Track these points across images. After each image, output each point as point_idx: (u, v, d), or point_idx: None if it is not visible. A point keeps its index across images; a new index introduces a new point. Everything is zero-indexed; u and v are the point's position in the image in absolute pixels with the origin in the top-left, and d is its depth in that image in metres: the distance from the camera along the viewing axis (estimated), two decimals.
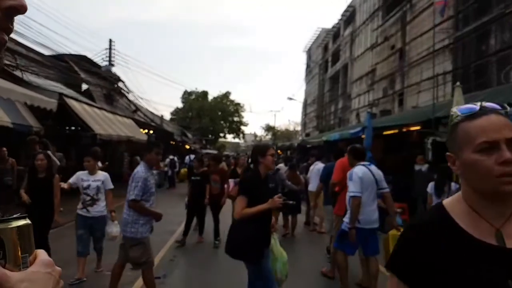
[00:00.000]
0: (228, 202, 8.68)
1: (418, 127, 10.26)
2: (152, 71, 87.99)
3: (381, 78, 21.91)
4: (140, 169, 4.65)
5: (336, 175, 6.20)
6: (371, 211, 5.09)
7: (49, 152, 9.04)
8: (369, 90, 24.04)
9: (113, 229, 5.64)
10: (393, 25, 21.18)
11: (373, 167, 5.28)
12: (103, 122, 13.58)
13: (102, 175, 5.92)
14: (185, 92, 58.19)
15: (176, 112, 57.98)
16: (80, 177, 5.78)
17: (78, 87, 18.35)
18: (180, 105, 58.54)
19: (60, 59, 17.90)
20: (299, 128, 58.88)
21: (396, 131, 10.82)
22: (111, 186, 5.92)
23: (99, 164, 9.91)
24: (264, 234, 3.95)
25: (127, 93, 22.34)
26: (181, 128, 36.32)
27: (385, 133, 11.02)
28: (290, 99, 38.65)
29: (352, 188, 5.03)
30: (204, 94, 57.71)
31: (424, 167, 9.83)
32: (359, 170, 5.11)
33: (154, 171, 18.73)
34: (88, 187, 5.68)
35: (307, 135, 35.24)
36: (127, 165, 19.97)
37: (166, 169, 20.10)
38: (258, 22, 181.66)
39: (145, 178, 4.59)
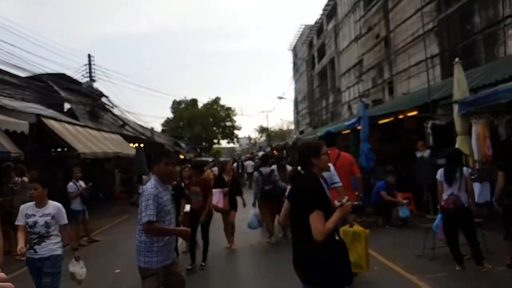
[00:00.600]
0: (217, 217, 7.98)
1: (415, 112, 9.87)
2: (137, 83, 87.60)
3: (369, 69, 21.67)
4: (149, 185, 3.99)
5: None
6: None
7: (24, 178, 8.74)
8: (358, 82, 23.80)
9: (78, 270, 4.84)
10: (376, 14, 20.94)
11: None
12: (87, 140, 13.22)
13: (52, 207, 4.62)
14: (174, 102, 57.67)
15: (167, 123, 57.45)
16: (24, 212, 4.55)
17: (60, 106, 17.95)
18: (170, 115, 58.04)
19: (38, 79, 17.49)
20: (292, 127, 58.63)
21: (391, 119, 10.40)
22: (65, 220, 4.67)
23: (82, 184, 9.46)
24: (343, 248, 3.22)
25: (112, 107, 21.87)
26: (173, 139, 35.90)
27: (380, 122, 10.54)
28: (281, 98, 38.46)
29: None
30: (194, 102, 57.15)
31: (426, 153, 9.47)
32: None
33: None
34: (35, 224, 4.48)
35: (301, 132, 34.98)
36: (119, 182, 19.45)
37: None
38: (240, 26, 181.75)
39: (155, 194, 3.88)
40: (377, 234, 8.02)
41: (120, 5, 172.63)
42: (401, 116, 10.26)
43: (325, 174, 4.52)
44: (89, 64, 21.60)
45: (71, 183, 9.43)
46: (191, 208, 6.98)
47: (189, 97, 58.08)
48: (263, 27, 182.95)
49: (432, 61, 15.44)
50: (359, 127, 10.15)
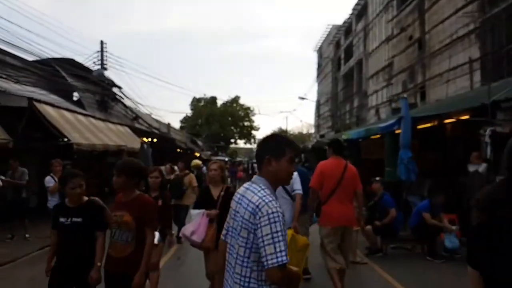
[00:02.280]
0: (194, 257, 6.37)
1: (466, 116, 8.07)
2: (153, 75, 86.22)
3: (400, 72, 20.46)
4: (266, 197, 2.17)
5: (314, 181, 5.33)
6: None
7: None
8: (387, 85, 22.58)
9: None
10: (410, 14, 19.78)
11: None
12: (87, 130, 12.28)
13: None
14: (194, 99, 57.16)
15: (185, 120, 56.96)
16: None
17: (69, 94, 16.97)
18: (189, 112, 57.51)
19: (46, 63, 16.44)
20: (312, 130, 57.45)
21: (434, 123, 8.67)
22: None
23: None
24: None
25: (122, 98, 20.58)
26: (190, 136, 35.15)
27: (419, 126, 8.84)
28: (302, 98, 37.03)
29: None
30: (213, 99, 56.46)
31: (482, 167, 7.65)
32: None
33: None
34: None
35: (322, 136, 33.78)
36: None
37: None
38: (264, 27, 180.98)
39: (282, 213, 2.17)
40: (416, 266, 7.11)
41: (143, 3, 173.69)
42: (448, 121, 8.59)
43: None
44: (101, 51, 20.40)
45: (48, 177, 8.18)
46: (107, 260, 3.53)
47: (208, 95, 57.49)
48: (287, 28, 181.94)
49: (470, 65, 14.28)
50: (397, 131, 8.57)
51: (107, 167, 18.28)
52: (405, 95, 9.05)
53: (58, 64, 17.02)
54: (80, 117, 13.42)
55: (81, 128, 12.12)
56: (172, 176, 9.20)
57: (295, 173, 5.17)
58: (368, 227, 7.44)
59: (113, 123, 16.79)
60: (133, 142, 15.97)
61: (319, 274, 6.17)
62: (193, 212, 4.75)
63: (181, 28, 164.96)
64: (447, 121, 8.54)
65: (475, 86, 13.72)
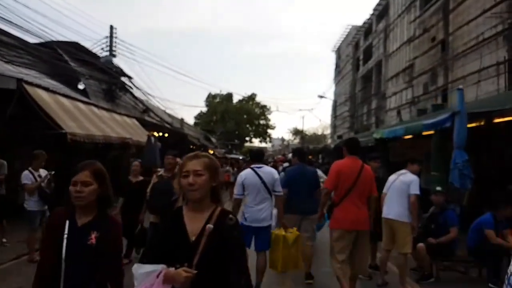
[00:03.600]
0: None
1: None
2: (166, 65, 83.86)
3: (421, 73, 19.88)
4: None
5: (329, 181, 5.20)
6: (257, 211, 5.31)
7: None
8: (407, 87, 22.01)
9: None
10: (434, 15, 19.22)
11: (266, 170, 5.49)
12: (86, 120, 11.47)
13: None
14: (209, 95, 56.74)
15: (200, 116, 56.66)
16: None
17: (73, 83, 15.79)
18: (204, 108, 57.07)
19: (49, 46, 15.20)
20: (328, 131, 56.87)
21: (481, 122, 7.37)
22: None
23: (42, 174, 7.05)
24: None
25: (131, 88, 19.40)
26: (204, 133, 34.83)
27: (470, 125, 7.60)
28: (321, 97, 36.72)
29: (234, 190, 5.56)
30: (229, 96, 55.92)
31: None
32: (244, 173, 5.53)
33: None
34: None
35: (339, 137, 33.27)
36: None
37: None
38: (284, 27, 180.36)
39: None
40: None
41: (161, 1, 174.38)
42: (500, 120, 7.28)
43: (268, 177, 5.35)
44: (110, 36, 19.11)
45: (25, 172, 6.80)
46: None
47: (224, 91, 57.04)
48: (307, 28, 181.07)
49: (497, 68, 13.72)
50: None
51: (111, 162, 17.73)
52: (460, 86, 7.71)
53: (61, 47, 15.81)
54: (81, 105, 12.34)
55: (80, 117, 11.15)
56: (155, 177, 6.04)
57: (276, 175, 5.51)
58: (421, 245, 6.15)
59: (119, 113, 15.71)
60: (140, 136, 14.77)
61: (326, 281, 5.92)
62: (139, 270, 2.09)
63: (199, 27, 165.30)
64: (498, 120, 7.30)
65: (501, 90, 13.16)
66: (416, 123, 8.28)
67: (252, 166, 5.53)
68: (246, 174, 5.44)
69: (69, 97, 11.89)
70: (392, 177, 6.00)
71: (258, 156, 5.77)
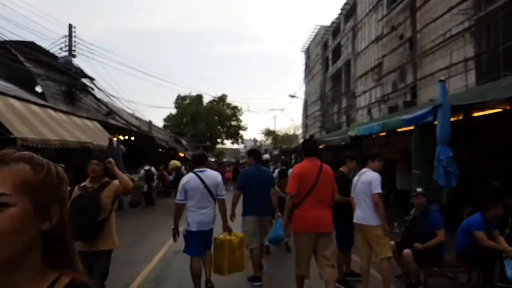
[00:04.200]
0: None
1: (507, 107, 6.81)
2: (132, 66, 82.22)
3: (390, 72, 19.92)
4: None
5: (290, 185, 4.97)
6: (201, 215, 5.29)
7: None
8: (376, 86, 22.04)
9: None
10: (401, 13, 19.28)
11: (209, 173, 5.42)
12: (41, 124, 10.88)
13: None
14: (179, 97, 55.70)
15: (169, 119, 55.68)
16: None
17: (30, 84, 14.94)
18: (171, 109, 56.03)
19: (1, 46, 14.38)
20: (299, 131, 56.93)
21: (459, 117, 7.04)
22: None
23: None
24: None
25: (93, 90, 18.43)
26: (174, 135, 34.08)
27: (476, 114, 7.17)
28: (292, 96, 36.68)
29: (177, 196, 5.47)
30: (199, 97, 55.09)
31: None
32: (186, 177, 5.52)
33: None
34: None
35: (311, 136, 33.18)
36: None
37: (141, 183, 15.79)
38: (253, 28, 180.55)
39: None
40: None
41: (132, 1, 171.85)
42: (479, 113, 7.21)
43: (211, 181, 5.33)
44: (70, 35, 18.13)
45: None
46: None
47: (194, 93, 56.21)
48: (277, 29, 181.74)
49: (465, 64, 13.77)
50: (432, 122, 6.69)
51: (74, 169, 16.67)
52: (442, 78, 7.15)
53: (15, 47, 15.04)
54: (35, 107, 11.71)
55: (33, 121, 10.56)
56: (76, 190, 4.39)
57: (219, 179, 5.48)
58: (407, 251, 5.54)
59: (79, 116, 14.92)
60: (103, 139, 14.15)
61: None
62: None
63: (167, 27, 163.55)
64: (477, 113, 7.07)
65: (470, 86, 13.19)
66: (394, 119, 7.73)
67: (195, 170, 5.47)
68: (188, 178, 5.40)
69: (22, 99, 11.22)
70: (355, 179, 5.61)
71: (200, 159, 5.65)
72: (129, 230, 10.47)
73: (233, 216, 6.22)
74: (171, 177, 19.69)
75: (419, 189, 5.83)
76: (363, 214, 5.34)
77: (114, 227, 4.39)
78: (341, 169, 5.97)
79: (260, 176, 6.20)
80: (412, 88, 17.91)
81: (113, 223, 4.37)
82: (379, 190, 5.20)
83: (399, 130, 7.80)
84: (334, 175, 5.26)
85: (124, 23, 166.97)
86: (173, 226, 5.40)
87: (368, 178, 5.31)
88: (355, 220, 5.49)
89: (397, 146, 10.45)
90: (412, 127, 7.31)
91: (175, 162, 16.57)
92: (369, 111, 21.60)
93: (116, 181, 4.34)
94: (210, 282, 5.33)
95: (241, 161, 29.73)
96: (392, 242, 5.67)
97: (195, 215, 5.26)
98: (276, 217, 6.28)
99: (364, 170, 5.52)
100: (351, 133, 9.38)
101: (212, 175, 5.43)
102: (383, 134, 8.59)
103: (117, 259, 7.08)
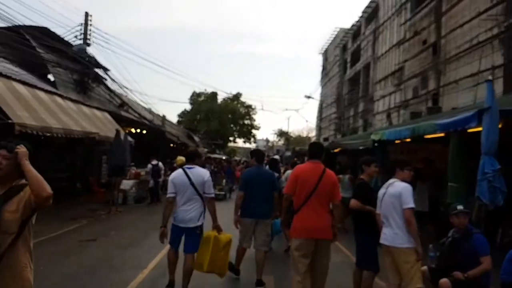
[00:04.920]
0: None
1: None
2: (149, 59, 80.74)
3: (411, 77, 19.40)
4: None
5: (287, 186, 4.90)
6: (184, 211, 5.28)
7: None
8: (395, 91, 21.52)
9: None
10: (425, 17, 18.78)
11: (196, 171, 5.35)
12: (46, 110, 10.44)
13: None
14: (194, 94, 55.53)
15: (183, 114, 55.50)
16: None
17: (42, 72, 14.45)
18: (184, 103, 55.89)
19: (15, 31, 14.05)
20: (313, 133, 56.44)
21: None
22: None
23: None
24: None
25: (105, 80, 17.86)
26: (187, 131, 33.85)
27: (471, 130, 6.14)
28: (308, 97, 36.24)
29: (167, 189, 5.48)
30: (214, 95, 54.69)
31: None
32: (174, 173, 5.51)
33: (131, 181, 14.70)
34: None
35: (326, 139, 32.69)
36: (106, 171, 14.52)
37: (148, 178, 15.37)
38: (273, 27, 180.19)
39: None
40: None
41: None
42: None
43: (197, 178, 5.30)
44: (85, 24, 17.59)
45: None
46: None
47: (209, 90, 55.91)
48: (296, 31, 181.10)
49: (492, 72, 13.25)
50: (475, 129, 5.73)
51: (83, 157, 15.79)
52: (490, 77, 6.29)
53: (28, 32, 14.67)
54: (42, 94, 11.29)
55: (37, 107, 10.14)
56: None
57: (206, 177, 5.37)
58: (445, 281, 4.60)
59: (88, 106, 14.40)
60: (112, 131, 13.47)
61: None
62: None
63: (185, 27, 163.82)
64: None
65: (497, 95, 12.65)
66: (427, 123, 6.77)
67: (184, 166, 5.46)
68: (176, 173, 5.42)
69: (27, 84, 10.85)
70: (381, 192, 4.84)
71: (190, 156, 5.62)
72: (128, 230, 10.10)
73: (237, 221, 6.01)
74: None
75: (460, 207, 4.80)
76: (392, 233, 4.56)
77: (29, 262, 2.72)
78: (362, 176, 5.32)
79: (260, 177, 6.06)
80: (434, 95, 17.39)
81: (22, 256, 2.66)
82: (411, 205, 4.41)
83: (428, 136, 7.19)
84: (355, 184, 4.93)
85: (139, 20, 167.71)
86: (162, 224, 5.31)
87: (397, 190, 4.56)
88: (382, 241, 4.72)
89: (418, 154, 9.78)
90: (442, 134, 6.63)
91: (181, 158, 16.10)
92: (388, 116, 21.09)
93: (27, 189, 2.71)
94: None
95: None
96: (425, 267, 4.84)
97: (180, 210, 5.31)
98: (273, 217, 6.20)
99: (391, 180, 4.77)
100: (374, 137, 8.58)
101: (199, 173, 5.37)
102: (407, 140, 7.96)
103: (110, 263, 6.84)
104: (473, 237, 4.69)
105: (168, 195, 5.37)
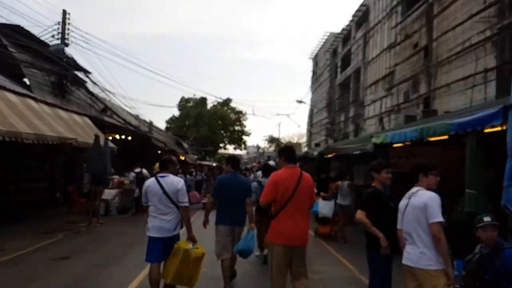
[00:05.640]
0: None
1: None
2: (133, 61, 77.93)
3: (402, 81, 19.06)
4: None
5: (264, 194, 4.70)
6: (159, 221, 5.16)
7: None
8: (386, 95, 21.17)
9: None
10: (416, 20, 18.48)
11: (169, 180, 5.22)
12: (15, 114, 9.76)
13: None
14: (182, 99, 54.96)
15: (172, 121, 54.84)
16: None
17: (16, 75, 13.65)
18: (172, 108, 55.24)
19: None
20: (303, 139, 56.07)
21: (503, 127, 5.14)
22: None
23: None
24: None
25: (85, 82, 16.86)
26: (175, 137, 33.21)
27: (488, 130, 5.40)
28: (300, 101, 35.53)
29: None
30: (203, 100, 54.14)
31: None
32: (147, 182, 5.40)
33: (114, 191, 13.74)
34: None
35: (317, 145, 32.25)
36: (88, 180, 13.72)
37: (133, 187, 14.46)
38: (263, 32, 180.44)
39: None
40: None
41: (141, 5, 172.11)
42: None
43: (170, 187, 5.14)
44: (63, 22, 16.66)
45: None
46: None
47: (198, 95, 55.29)
48: (285, 36, 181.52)
49: (485, 75, 12.93)
50: (499, 127, 4.94)
51: (63, 165, 15.04)
52: None
53: (0, 31, 13.91)
54: (10, 95, 10.51)
55: (5, 110, 9.47)
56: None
57: (179, 185, 5.18)
58: None
59: (65, 110, 13.52)
60: (91, 136, 12.72)
61: None
62: None
63: (175, 33, 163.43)
64: None
65: (489, 98, 12.34)
66: (438, 123, 5.98)
67: (158, 174, 5.36)
68: (149, 182, 5.33)
69: None
70: (402, 203, 4.11)
71: (163, 164, 5.46)
72: (108, 244, 9.30)
73: (206, 222, 6.03)
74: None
75: (487, 218, 4.07)
76: (417, 253, 3.86)
77: None
78: (374, 184, 4.65)
79: (235, 185, 5.95)
80: (425, 99, 17.04)
81: None
82: (439, 218, 3.73)
83: (431, 139, 6.56)
84: (366, 192, 4.45)
85: (126, 26, 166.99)
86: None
87: (421, 201, 3.86)
88: (405, 262, 4.00)
89: (419, 158, 9.16)
90: (446, 136, 5.99)
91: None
92: (380, 121, 20.70)
93: None
94: None
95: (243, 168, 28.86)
96: None
97: (155, 220, 5.16)
98: (249, 228, 5.93)
99: (414, 189, 4.06)
100: (376, 140, 7.88)
101: (172, 181, 5.22)
102: (408, 143, 7.41)
103: (82, 286, 5.99)
104: (505, 253, 3.98)
105: (144, 203, 5.37)
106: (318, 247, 9.49)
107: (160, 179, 5.23)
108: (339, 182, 10.42)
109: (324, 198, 10.84)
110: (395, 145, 7.70)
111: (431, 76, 16.63)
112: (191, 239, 5.30)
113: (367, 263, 4.62)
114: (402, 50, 19.68)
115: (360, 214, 4.46)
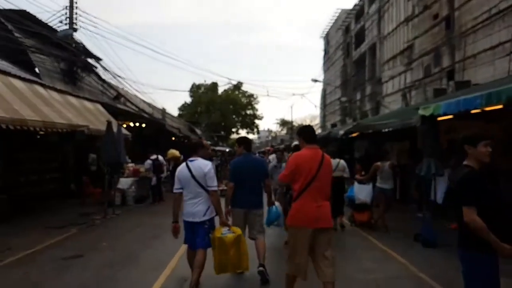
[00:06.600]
0: None
1: None
2: (145, 45, 77.98)
3: (423, 55, 18.22)
4: None
5: (284, 174, 4.56)
6: (190, 205, 5.14)
7: None
8: (406, 70, 20.35)
9: None
10: None
11: (197, 163, 5.14)
12: (22, 101, 9.31)
13: None
14: (193, 85, 54.44)
15: (184, 107, 54.42)
16: None
17: (26, 64, 13.10)
18: (183, 92, 54.85)
19: None
20: (316, 121, 55.33)
21: None
22: None
23: None
24: None
25: (95, 68, 16.18)
26: (188, 124, 32.78)
27: None
28: (315, 80, 34.31)
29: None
30: (214, 85, 53.45)
31: None
32: (179, 167, 5.32)
33: (130, 179, 13.30)
34: None
35: (333, 125, 31.49)
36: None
37: (150, 175, 13.95)
38: (273, 16, 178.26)
39: None
40: None
41: None
42: None
43: (198, 171, 5.11)
44: (71, 6, 16.06)
45: None
46: None
47: (209, 81, 54.65)
48: (297, 18, 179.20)
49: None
50: None
51: (78, 152, 14.52)
52: None
53: (4, 15, 13.47)
54: (17, 82, 10.09)
55: (10, 97, 8.99)
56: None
57: (206, 168, 5.09)
58: None
59: (76, 96, 12.99)
60: (103, 123, 12.03)
61: None
62: None
63: (184, 21, 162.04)
64: None
65: None
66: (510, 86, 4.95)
67: (188, 159, 5.29)
68: (180, 167, 5.29)
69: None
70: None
71: (192, 148, 5.46)
72: (125, 239, 8.52)
73: (228, 212, 5.80)
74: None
75: None
76: None
77: None
78: (467, 163, 3.41)
79: (250, 166, 5.82)
80: (449, 72, 16.24)
81: None
82: None
83: (474, 111, 5.81)
84: (462, 174, 3.31)
85: (139, 16, 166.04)
86: (172, 220, 5.21)
87: None
88: None
89: (459, 132, 8.24)
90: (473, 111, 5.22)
91: (173, 152, 14.81)
92: (404, 96, 19.88)
93: None
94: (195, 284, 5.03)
95: (256, 152, 28.37)
96: None
97: (186, 205, 5.18)
98: (269, 205, 6.08)
99: None
100: (424, 112, 6.62)
101: (199, 165, 5.16)
102: (450, 117, 6.67)
103: None
104: None
105: (174, 191, 5.25)
106: (359, 238, 8.61)
107: (189, 163, 5.20)
108: (379, 163, 9.24)
109: (360, 182, 9.89)
110: (439, 119, 6.86)
111: (454, 48, 15.80)
112: (223, 224, 5.28)
113: (461, 266, 3.36)
114: (421, 22, 18.78)
115: (472, 214, 3.15)
